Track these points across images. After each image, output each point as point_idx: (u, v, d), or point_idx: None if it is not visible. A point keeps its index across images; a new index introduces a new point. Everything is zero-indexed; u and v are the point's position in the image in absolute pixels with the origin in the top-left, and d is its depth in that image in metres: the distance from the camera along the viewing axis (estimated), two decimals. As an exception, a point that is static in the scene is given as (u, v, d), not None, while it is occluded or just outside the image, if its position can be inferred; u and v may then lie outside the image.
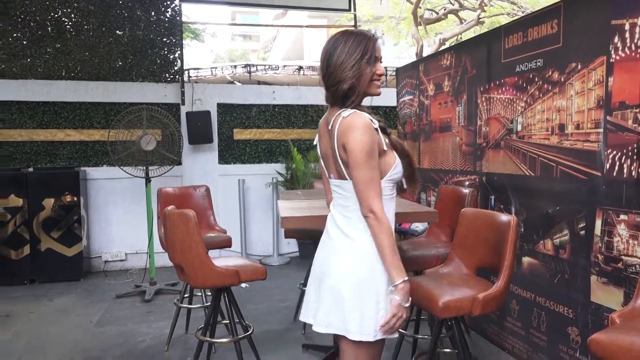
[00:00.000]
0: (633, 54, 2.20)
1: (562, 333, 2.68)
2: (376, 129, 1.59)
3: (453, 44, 8.19)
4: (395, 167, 1.66)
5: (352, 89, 1.59)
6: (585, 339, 2.52)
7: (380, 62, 1.64)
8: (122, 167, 4.68)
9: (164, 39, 5.87)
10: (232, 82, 8.01)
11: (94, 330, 3.74)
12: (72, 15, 5.61)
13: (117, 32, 5.72)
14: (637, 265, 2.20)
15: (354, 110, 1.60)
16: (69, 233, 5.14)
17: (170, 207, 2.68)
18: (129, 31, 5.75)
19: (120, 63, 5.76)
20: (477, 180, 3.46)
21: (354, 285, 1.60)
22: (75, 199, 5.14)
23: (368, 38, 1.60)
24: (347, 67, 1.57)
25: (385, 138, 1.64)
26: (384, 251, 1.56)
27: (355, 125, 1.55)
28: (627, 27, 2.23)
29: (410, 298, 1.58)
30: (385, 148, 1.62)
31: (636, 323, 1.69)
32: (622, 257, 2.29)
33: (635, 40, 2.19)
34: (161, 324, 3.81)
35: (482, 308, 2.10)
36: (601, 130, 2.38)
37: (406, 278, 1.56)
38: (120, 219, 5.69)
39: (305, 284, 3.72)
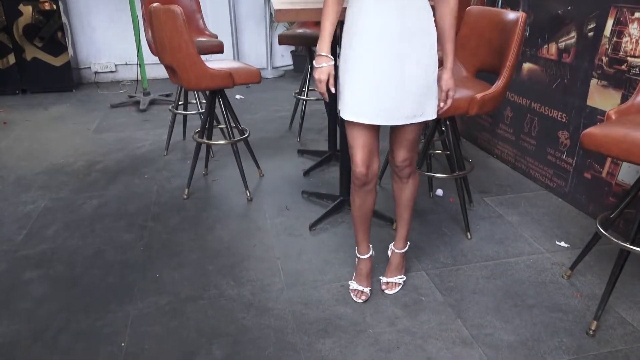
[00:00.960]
0: None
1: (552, 137, 2.74)
2: None
3: None
4: None
5: None
6: (575, 142, 2.58)
7: None
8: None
9: None
10: None
11: (93, 137, 3.80)
12: None
13: None
14: (642, 66, 2.14)
15: None
16: (53, 42, 4.90)
17: (155, 4, 2.49)
18: None
19: None
20: (486, -20, 3.19)
21: None
22: (54, 3, 4.79)
23: None
24: None
25: None
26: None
27: None
28: None
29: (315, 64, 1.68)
30: None
31: (632, 117, 1.68)
32: (628, 58, 2.21)
33: None
34: (158, 131, 3.87)
35: (479, 108, 2.08)
36: None
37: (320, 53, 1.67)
38: (105, 28, 5.39)
39: (300, 94, 3.69)
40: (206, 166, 3.08)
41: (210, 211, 2.62)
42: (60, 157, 3.38)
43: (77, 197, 2.79)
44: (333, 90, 1.69)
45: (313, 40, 3.47)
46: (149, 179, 3.02)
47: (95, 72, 5.52)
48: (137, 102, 4.60)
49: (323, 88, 1.69)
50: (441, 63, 1.70)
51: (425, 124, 1.75)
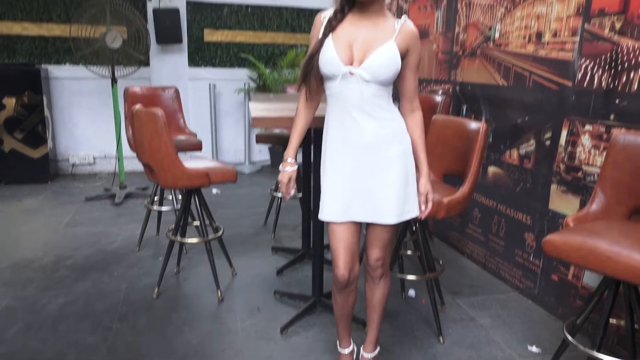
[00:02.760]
0: (619, -41, 2.12)
1: (518, 238, 2.82)
2: (330, 20, 1.68)
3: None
4: (320, 61, 1.66)
5: None
6: (540, 244, 2.66)
7: None
8: (87, 66, 4.46)
9: None
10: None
11: (65, 231, 3.75)
12: None
13: None
14: (595, 175, 2.28)
15: (330, 9, 1.70)
16: (33, 134, 4.99)
17: (137, 106, 2.60)
18: None
19: (79, -49, 5.29)
20: (450, 89, 3.44)
21: None
22: (38, 98, 4.93)
23: None
24: None
25: (330, 31, 1.67)
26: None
27: None
28: None
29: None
30: (319, 37, 1.68)
31: (588, 225, 1.77)
32: (583, 166, 2.36)
33: (623, -57, 2.10)
34: (132, 226, 3.85)
35: (447, 211, 2.17)
36: (577, 38, 2.35)
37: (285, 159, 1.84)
38: (86, 121, 5.52)
39: (275, 191, 3.76)
40: (178, 264, 3.05)
41: (179, 312, 2.56)
42: (29, 251, 3.31)
43: (42, 295, 2.70)
44: (292, 192, 1.84)
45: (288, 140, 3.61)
46: (119, 277, 2.96)
47: (73, 164, 5.57)
48: (113, 196, 4.61)
49: (284, 189, 1.83)
50: (417, 169, 1.81)
51: (399, 224, 1.81)
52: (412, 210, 1.78)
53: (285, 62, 5.81)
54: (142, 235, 3.44)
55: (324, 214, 1.76)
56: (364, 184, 1.72)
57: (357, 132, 1.69)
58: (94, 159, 5.64)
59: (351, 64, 1.63)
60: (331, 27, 1.66)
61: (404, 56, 1.66)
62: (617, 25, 2.15)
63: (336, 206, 1.73)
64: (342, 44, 1.64)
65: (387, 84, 1.67)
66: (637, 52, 2.06)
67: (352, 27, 1.65)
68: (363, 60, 1.62)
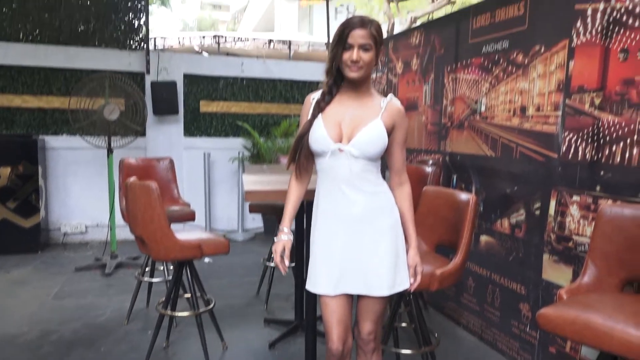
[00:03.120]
0: (593, 39, 2.26)
1: (514, 309, 2.79)
2: (318, 102, 1.77)
3: (423, 22, 8.18)
4: (310, 139, 1.74)
5: (326, 72, 1.76)
6: (535, 315, 2.63)
7: (359, 49, 1.67)
8: (83, 137, 4.54)
9: (129, 4, 5.66)
10: (199, 53, 7.83)
11: (52, 303, 3.67)
12: (30, -25, 5.34)
13: (80, -5, 5.48)
14: (586, 245, 2.29)
15: (319, 90, 1.79)
16: (26, 204, 4.98)
17: (132, 179, 2.63)
18: (91, -6, 5.51)
19: (83, 27, 5.54)
20: (440, 159, 3.51)
21: None
22: (34, 168, 4.98)
23: (344, 25, 1.68)
24: (329, 51, 1.75)
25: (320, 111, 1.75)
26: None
27: None
28: (589, 12, 2.27)
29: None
30: (308, 118, 1.76)
31: (581, 298, 1.77)
32: (573, 236, 2.38)
33: (596, 26, 2.24)
34: (121, 298, 3.77)
35: (440, 283, 2.15)
36: (560, 113, 2.44)
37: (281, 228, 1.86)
38: (81, 190, 5.54)
39: (268, 260, 3.73)
40: (167, 337, 2.97)
41: (167, 390, 2.46)
42: (13, 326, 3.22)
43: (25, 374, 2.60)
44: (287, 262, 1.81)
45: (282, 211, 3.63)
46: (105, 353, 2.87)
47: (65, 233, 5.53)
48: (104, 265, 4.55)
49: (277, 259, 1.81)
50: (406, 241, 1.83)
51: (391, 296, 1.80)
52: (403, 282, 1.79)
53: (279, 131, 5.95)
54: (132, 307, 3.37)
55: (317, 287, 1.77)
56: (355, 256, 1.74)
57: (347, 206, 1.73)
58: (86, 227, 5.61)
59: (340, 141, 1.71)
60: (320, 108, 1.75)
61: (390, 132, 1.74)
62: (597, 101, 2.24)
63: (328, 279, 1.74)
64: (331, 122, 1.73)
65: (375, 159, 1.74)
66: (617, 127, 2.14)
67: (340, 106, 1.75)
68: (351, 138, 1.70)
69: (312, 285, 1.78)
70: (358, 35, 1.66)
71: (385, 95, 1.79)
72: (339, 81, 1.76)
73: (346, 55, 1.68)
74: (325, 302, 1.76)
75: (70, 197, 5.54)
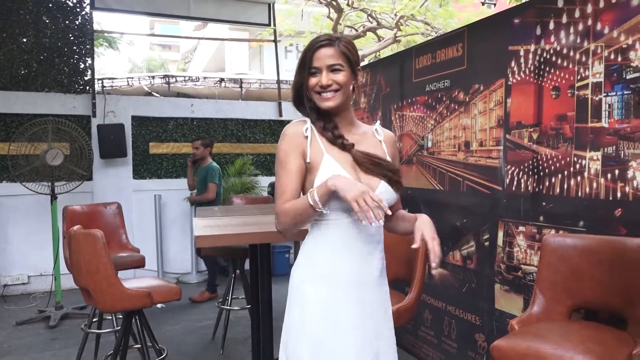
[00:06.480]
0: (527, 78, 2.39)
1: (470, 340, 2.81)
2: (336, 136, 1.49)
3: (371, 61, 8.46)
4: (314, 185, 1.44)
5: (294, 100, 1.53)
6: (491, 345, 2.66)
7: (328, 72, 1.43)
8: (23, 184, 4.35)
9: (74, 47, 5.57)
10: (150, 93, 7.75)
11: (-11, 362, 3.42)
12: (-32, 19, 5.18)
13: (21, 39, 5.34)
14: (533, 274, 2.37)
15: (300, 119, 1.52)
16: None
17: (75, 227, 2.53)
18: (33, 38, 5.39)
19: (24, 71, 5.38)
20: (392, 194, 3.56)
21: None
22: (-30, 218, 4.71)
23: (308, 46, 1.46)
24: (294, 77, 1.50)
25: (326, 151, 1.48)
26: (296, 210, 1.41)
27: (282, 132, 1.51)
28: (522, 52, 2.41)
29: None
30: (308, 160, 1.46)
31: (532, 328, 1.81)
32: (522, 265, 2.45)
33: (529, 65, 2.37)
34: (67, 351, 3.56)
35: (396, 319, 2.15)
36: (501, 147, 2.55)
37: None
38: (22, 239, 5.27)
39: (224, 303, 3.63)
40: (117, 393, 2.81)
41: None
42: (-56, 391, 2.97)
43: None
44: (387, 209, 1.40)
45: (237, 252, 3.58)
46: (49, 414, 2.68)
47: (5, 285, 5.21)
48: (48, 317, 4.30)
49: (376, 198, 1.35)
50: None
51: None
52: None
53: (233, 170, 5.90)
54: (78, 362, 3.18)
55: None
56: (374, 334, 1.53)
57: (370, 267, 1.55)
58: (29, 277, 5.31)
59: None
60: (341, 145, 1.48)
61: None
62: (535, 136, 2.36)
63: None
64: (347, 166, 1.48)
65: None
66: (555, 160, 2.25)
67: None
68: (369, 182, 1.51)
69: None
70: (325, 56, 1.43)
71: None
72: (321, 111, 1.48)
73: (313, 81, 1.44)
74: None
75: (11, 247, 5.26)
